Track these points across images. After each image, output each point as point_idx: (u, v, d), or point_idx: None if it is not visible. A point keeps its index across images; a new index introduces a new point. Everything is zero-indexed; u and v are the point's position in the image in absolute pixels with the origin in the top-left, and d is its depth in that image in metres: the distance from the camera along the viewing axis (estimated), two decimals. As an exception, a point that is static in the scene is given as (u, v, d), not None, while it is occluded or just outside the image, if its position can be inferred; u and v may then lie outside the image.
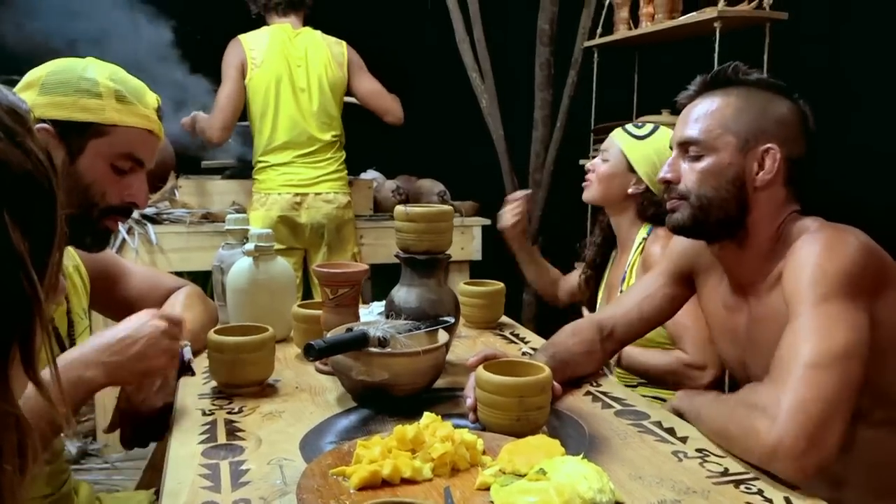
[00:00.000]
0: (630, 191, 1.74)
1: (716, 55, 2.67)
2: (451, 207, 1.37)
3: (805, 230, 1.13)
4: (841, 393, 0.95)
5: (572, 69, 3.79)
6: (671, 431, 1.10)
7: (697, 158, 1.17)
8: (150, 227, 2.83)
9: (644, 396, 1.34)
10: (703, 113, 1.18)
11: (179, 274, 2.90)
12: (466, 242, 3.28)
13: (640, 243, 1.72)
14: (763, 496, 0.90)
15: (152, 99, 1.22)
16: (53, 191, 0.60)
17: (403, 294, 1.34)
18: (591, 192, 1.81)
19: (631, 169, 1.74)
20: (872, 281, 1.06)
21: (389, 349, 1.15)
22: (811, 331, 1.00)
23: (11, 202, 0.54)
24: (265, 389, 1.26)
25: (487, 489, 0.86)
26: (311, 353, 1.09)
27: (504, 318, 1.79)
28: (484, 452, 0.96)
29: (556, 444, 0.93)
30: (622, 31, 3.27)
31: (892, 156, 2.94)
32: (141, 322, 1.10)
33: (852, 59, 3.04)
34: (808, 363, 0.96)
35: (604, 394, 1.27)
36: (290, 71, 2.81)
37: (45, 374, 0.99)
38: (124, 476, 2.74)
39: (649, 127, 1.78)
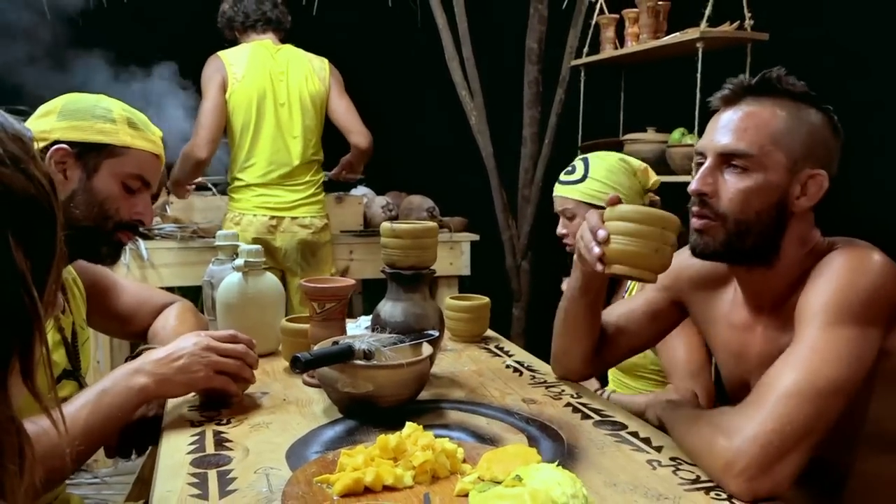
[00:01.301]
0: None
1: (698, 75, 2.74)
2: (435, 224, 1.41)
3: (832, 249, 1.09)
4: (808, 428, 0.94)
5: (560, 87, 3.85)
6: (647, 441, 1.14)
7: (743, 173, 1.08)
8: (141, 242, 2.85)
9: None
10: (751, 123, 1.08)
11: (170, 289, 2.95)
12: (455, 258, 3.32)
13: None
14: (731, 502, 0.94)
15: (157, 129, 1.34)
16: (54, 213, 0.63)
17: (389, 308, 1.38)
18: None
19: (599, 209, 1.72)
20: (893, 307, 1.04)
21: (374, 362, 1.18)
22: (804, 359, 0.98)
23: (15, 224, 0.57)
24: (253, 402, 1.29)
25: (466, 495, 0.89)
26: (298, 365, 1.12)
27: (489, 332, 1.82)
28: (464, 461, 0.99)
29: (532, 453, 0.97)
30: (608, 51, 3.33)
31: (871, 173, 3.01)
32: (188, 340, 1.21)
33: (832, 78, 3.11)
34: (785, 393, 0.96)
35: (583, 405, 1.31)
36: (273, 86, 2.79)
37: (71, 407, 1.05)
38: (114, 490, 2.75)
39: (580, 167, 1.75)
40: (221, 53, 2.82)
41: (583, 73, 3.58)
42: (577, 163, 1.78)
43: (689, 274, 1.28)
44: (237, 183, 2.83)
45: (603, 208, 1.65)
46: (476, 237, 3.37)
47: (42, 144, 1.19)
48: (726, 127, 1.10)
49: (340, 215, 3.22)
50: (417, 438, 0.98)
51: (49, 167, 1.17)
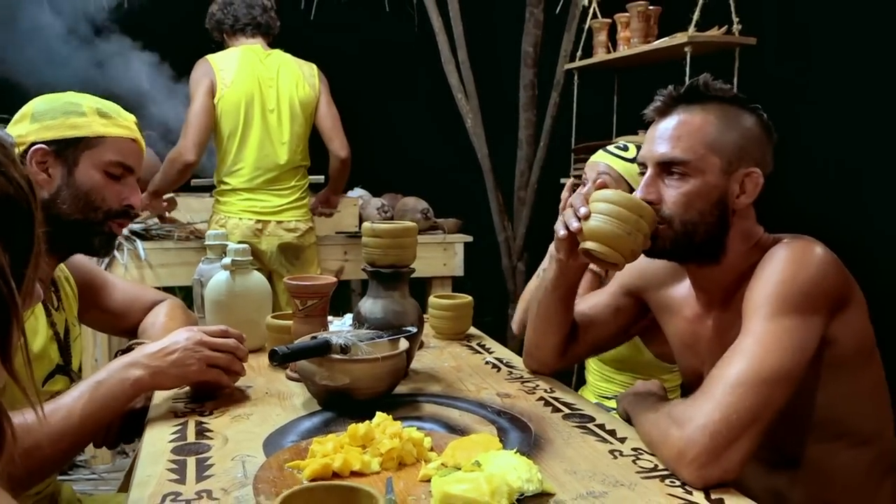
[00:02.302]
0: None
1: (686, 78, 2.78)
2: (414, 224, 1.46)
3: (777, 244, 1.14)
4: (755, 415, 0.99)
5: (554, 90, 3.90)
6: (612, 433, 1.18)
7: (682, 179, 1.14)
8: (139, 242, 2.91)
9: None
10: (684, 131, 1.14)
11: (167, 288, 3.01)
12: (449, 258, 3.37)
13: None
14: (685, 489, 0.98)
15: (131, 116, 1.38)
16: (32, 212, 0.67)
17: (369, 305, 1.42)
18: None
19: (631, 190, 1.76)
20: (835, 297, 1.09)
21: (350, 356, 1.23)
22: (748, 350, 1.03)
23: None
24: (236, 395, 1.33)
25: (429, 481, 0.94)
26: (275, 358, 1.17)
27: (473, 331, 1.87)
28: (431, 449, 1.04)
29: (494, 441, 1.01)
30: (601, 55, 3.38)
31: (857, 173, 3.05)
32: (181, 335, 1.25)
33: (818, 82, 3.16)
34: (731, 383, 1.01)
35: (556, 399, 1.35)
36: (262, 92, 2.80)
37: (68, 398, 1.09)
38: (111, 486, 2.80)
39: (633, 149, 1.79)
40: (210, 57, 2.83)
41: (576, 77, 3.63)
42: (631, 145, 1.82)
43: (647, 271, 1.35)
44: (223, 187, 2.85)
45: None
46: (469, 238, 3.41)
47: (21, 149, 1.24)
48: (662, 137, 1.16)
49: (336, 217, 3.27)
50: (386, 427, 1.02)
51: (30, 168, 1.23)
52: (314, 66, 2.95)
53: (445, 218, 3.47)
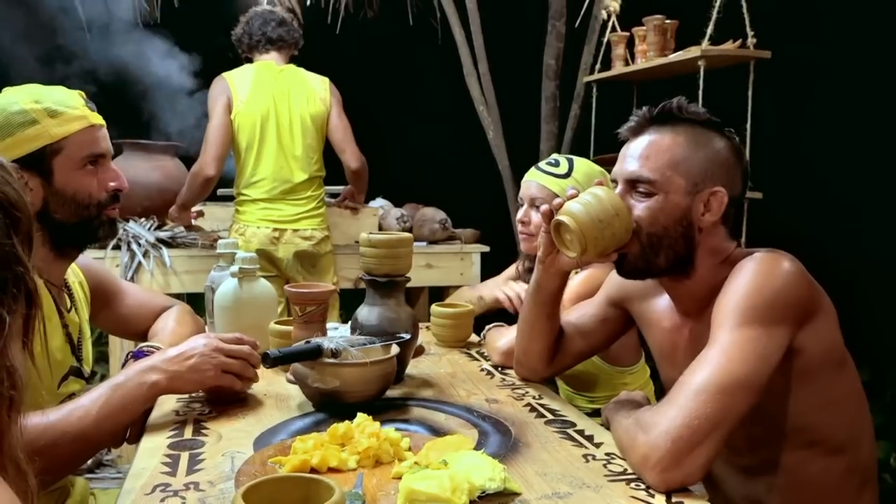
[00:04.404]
0: None
1: (700, 92, 2.80)
2: (410, 235, 1.52)
3: (747, 257, 1.17)
4: (716, 422, 1.02)
5: (575, 103, 3.94)
6: (590, 438, 1.22)
7: (647, 196, 1.20)
8: (164, 250, 3.02)
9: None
10: (652, 151, 1.19)
11: (192, 294, 3.11)
12: (466, 268, 3.42)
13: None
14: (648, 492, 1.02)
15: (76, 97, 1.35)
16: (30, 213, 0.74)
17: (365, 312, 1.48)
18: (533, 246, 1.73)
19: None
20: (801, 308, 1.13)
21: (341, 360, 1.29)
22: (712, 358, 1.06)
23: (15, 225, 0.69)
24: (239, 396, 1.40)
25: (401, 478, 0.99)
26: (267, 361, 1.24)
27: (476, 338, 1.92)
28: (409, 449, 1.09)
29: (468, 442, 1.06)
30: (618, 68, 3.42)
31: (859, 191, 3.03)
32: (198, 340, 1.30)
33: (834, 95, 3.15)
34: (694, 390, 1.04)
35: (542, 405, 1.39)
36: (276, 107, 2.92)
37: (86, 399, 1.14)
38: (135, 485, 2.89)
39: (564, 163, 1.78)
40: (226, 75, 2.97)
41: (595, 89, 3.66)
42: (561, 158, 1.81)
43: (630, 283, 1.37)
44: (242, 198, 2.98)
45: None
46: (486, 248, 3.46)
47: None
48: (632, 155, 1.22)
49: (356, 226, 3.34)
50: (365, 428, 1.08)
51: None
52: (326, 80, 3.05)
53: (464, 228, 3.52)
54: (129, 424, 1.27)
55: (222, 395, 1.35)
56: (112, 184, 1.38)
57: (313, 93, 2.99)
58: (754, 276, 1.12)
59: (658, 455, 1.01)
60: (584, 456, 1.14)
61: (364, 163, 3.02)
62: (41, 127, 1.28)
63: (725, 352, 1.06)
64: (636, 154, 1.21)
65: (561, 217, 1.25)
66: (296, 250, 2.94)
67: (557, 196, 1.71)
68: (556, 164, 1.79)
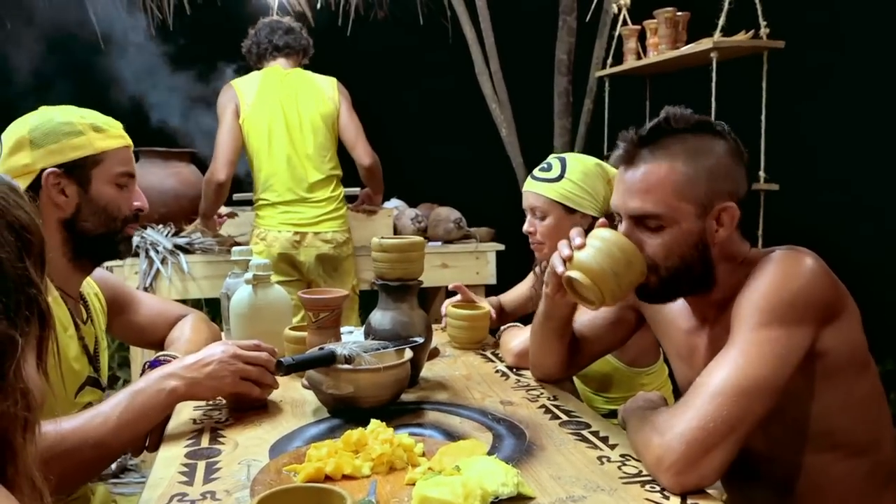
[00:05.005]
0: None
1: (713, 84, 2.78)
2: (421, 239, 1.52)
3: (767, 256, 1.15)
4: (732, 425, 1.01)
5: (587, 98, 3.93)
6: (605, 440, 1.22)
7: (658, 231, 1.15)
8: (182, 256, 3.05)
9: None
10: (652, 183, 1.13)
11: (209, 299, 3.13)
12: (481, 267, 3.42)
13: None
14: (663, 494, 1.01)
15: (114, 120, 1.44)
16: (42, 235, 0.76)
17: (378, 317, 1.49)
18: (546, 252, 1.78)
19: (570, 211, 1.74)
20: (823, 308, 1.10)
21: (355, 365, 1.30)
22: (730, 360, 1.05)
23: (28, 248, 0.70)
24: (255, 403, 1.41)
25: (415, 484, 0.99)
26: (281, 368, 1.25)
27: (489, 338, 1.92)
28: (423, 454, 1.09)
29: (481, 447, 1.06)
30: (630, 62, 3.39)
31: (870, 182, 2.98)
32: (216, 347, 1.32)
33: (849, 85, 3.11)
34: (711, 392, 1.03)
35: (557, 406, 1.39)
36: (283, 110, 2.92)
37: (106, 406, 1.16)
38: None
39: (556, 165, 1.76)
40: (234, 82, 3.00)
41: (607, 84, 3.65)
42: (554, 161, 1.78)
43: None
44: (262, 202, 2.98)
45: (573, 211, 1.75)
46: (501, 247, 3.46)
47: (32, 176, 1.32)
48: (631, 189, 1.16)
49: (371, 227, 3.35)
50: (379, 434, 1.08)
51: (48, 192, 1.32)
52: (334, 80, 3.05)
53: (478, 227, 3.52)
54: (149, 431, 1.29)
55: (242, 402, 1.36)
56: (137, 203, 1.45)
57: (321, 92, 2.99)
58: (775, 274, 1.10)
59: (673, 457, 1.00)
60: (599, 458, 1.14)
61: (376, 159, 3.01)
62: (85, 138, 1.36)
63: (744, 353, 1.05)
64: (636, 188, 1.15)
65: (573, 274, 1.21)
66: (317, 253, 2.94)
67: (557, 202, 1.73)
68: (549, 168, 1.77)
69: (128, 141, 1.43)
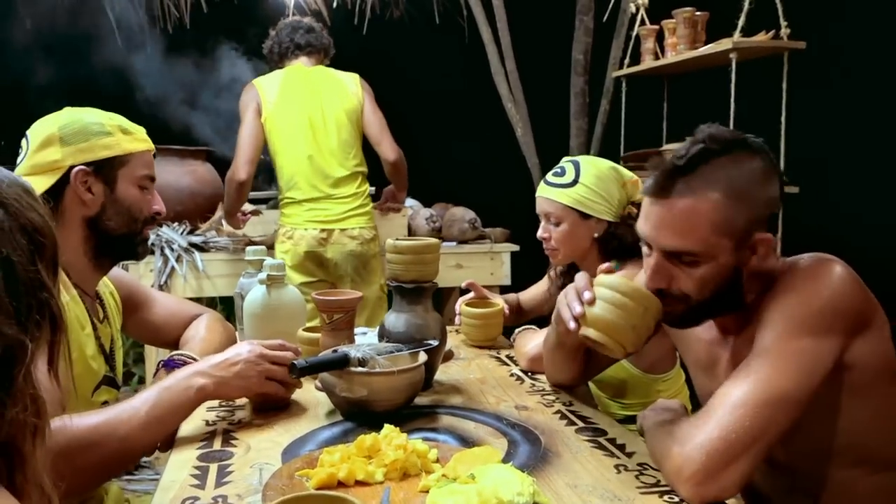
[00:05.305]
0: (595, 235, 1.73)
1: (732, 85, 2.75)
2: (437, 241, 1.50)
3: (795, 264, 1.12)
4: (754, 436, 0.98)
5: (604, 98, 3.90)
6: (622, 448, 1.20)
7: (692, 265, 1.10)
8: (197, 254, 3.05)
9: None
10: (692, 221, 1.07)
11: (224, 298, 3.13)
12: (496, 268, 3.40)
13: None
14: (682, 505, 0.99)
15: (139, 126, 1.46)
16: (55, 238, 0.75)
17: (393, 319, 1.48)
18: (560, 259, 1.79)
19: (584, 216, 1.72)
20: (853, 318, 1.07)
21: (368, 369, 1.28)
22: (756, 370, 1.02)
23: (41, 251, 0.69)
24: (265, 405, 1.40)
25: (429, 491, 0.98)
26: (294, 371, 1.24)
27: (504, 341, 1.90)
28: (437, 461, 1.08)
29: (496, 454, 1.05)
30: (648, 62, 3.36)
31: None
32: (243, 347, 1.32)
33: (870, 87, 3.06)
34: (733, 403, 1.00)
35: (573, 412, 1.37)
36: (306, 108, 2.89)
37: (136, 401, 1.18)
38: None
39: (570, 170, 1.73)
40: (256, 81, 2.96)
41: (624, 84, 3.62)
42: (567, 165, 1.75)
43: None
44: (287, 200, 2.93)
45: (588, 216, 1.73)
46: (516, 248, 3.44)
47: (61, 172, 1.33)
48: (667, 225, 1.09)
49: (385, 226, 3.33)
50: (392, 439, 1.07)
51: (76, 189, 1.33)
52: (356, 76, 3.01)
53: (493, 227, 3.50)
54: (175, 429, 1.29)
55: (267, 402, 1.36)
56: (156, 207, 1.46)
57: (344, 88, 2.96)
58: (803, 284, 1.07)
59: (692, 468, 0.98)
60: (616, 466, 1.12)
61: (401, 155, 2.98)
62: (114, 139, 1.38)
63: (769, 364, 1.02)
64: (672, 225, 1.08)
65: (589, 334, 1.18)
66: (345, 250, 2.89)
67: (571, 208, 1.71)
68: (562, 172, 1.75)
69: (151, 145, 1.46)
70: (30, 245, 0.68)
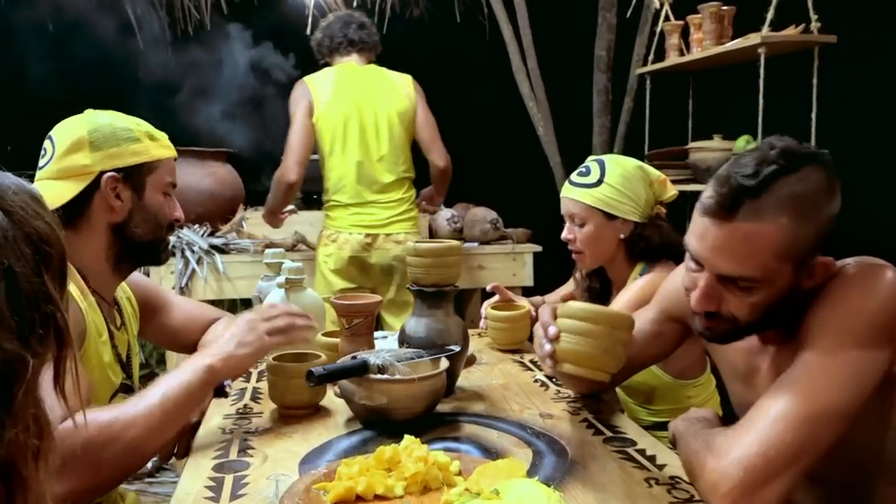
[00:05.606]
0: (622, 236, 1.69)
1: (761, 81, 2.68)
2: (458, 243, 1.46)
3: (842, 269, 1.05)
4: (796, 453, 0.93)
5: (628, 96, 3.83)
6: (652, 459, 1.15)
7: (747, 290, 1.03)
8: (217, 256, 3.03)
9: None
10: (755, 246, 0.99)
11: (245, 300, 3.11)
12: (518, 269, 3.35)
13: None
14: (718, 522, 0.94)
15: (162, 132, 1.44)
16: (63, 247, 0.71)
17: (413, 324, 1.44)
18: (587, 261, 1.75)
19: (610, 217, 1.68)
20: None
21: (388, 376, 1.24)
22: (799, 382, 0.96)
23: (46, 261, 0.66)
24: (282, 412, 1.37)
25: (451, 506, 0.94)
26: (311, 379, 1.20)
27: (528, 344, 1.85)
28: (459, 473, 1.04)
29: (520, 467, 1.00)
30: (673, 58, 3.29)
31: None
32: (237, 322, 1.34)
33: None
34: (774, 417, 0.94)
35: (600, 420, 1.32)
36: (358, 108, 2.80)
37: (151, 388, 1.17)
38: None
39: (595, 169, 1.70)
40: (307, 78, 2.86)
41: (648, 81, 3.55)
42: (592, 164, 1.71)
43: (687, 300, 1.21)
44: (332, 203, 2.86)
45: (613, 217, 1.68)
46: (539, 248, 3.38)
47: (90, 178, 1.31)
48: (724, 250, 1.01)
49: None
50: (413, 451, 1.03)
51: (105, 195, 1.31)
52: (409, 77, 2.93)
53: (515, 228, 3.45)
54: (189, 419, 1.28)
55: (292, 407, 1.36)
56: (176, 214, 1.45)
57: (398, 89, 2.87)
58: (853, 290, 1.01)
59: (729, 484, 0.93)
60: (647, 480, 1.07)
61: (450, 162, 2.91)
62: (143, 146, 1.37)
63: (813, 375, 0.96)
64: (733, 250, 1.00)
65: (566, 369, 1.14)
66: (389, 256, 2.82)
67: (596, 209, 1.67)
68: (587, 172, 1.70)
69: (174, 151, 1.45)
70: (35, 255, 0.65)
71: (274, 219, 2.99)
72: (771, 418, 0.95)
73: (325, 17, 3.03)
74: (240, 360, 1.29)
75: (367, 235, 2.82)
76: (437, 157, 2.89)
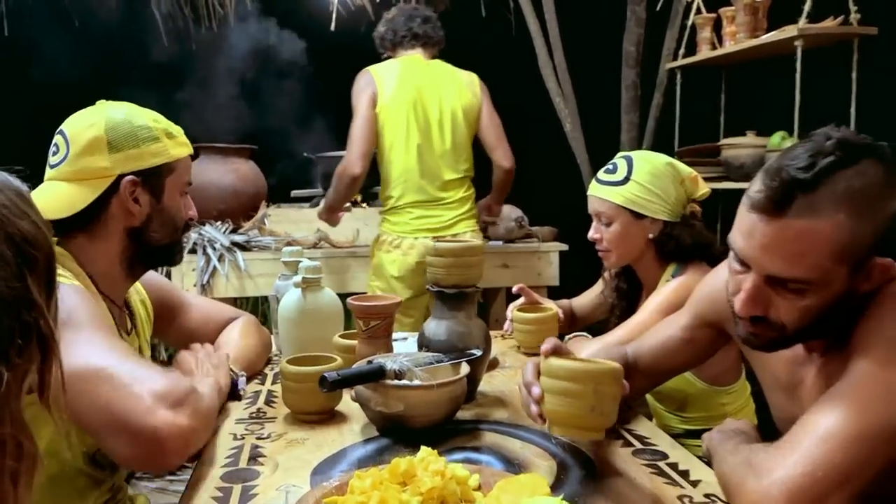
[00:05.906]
0: (650, 236, 1.63)
1: (797, 75, 2.58)
2: (480, 243, 1.41)
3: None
4: (845, 475, 0.85)
5: (657, 91, 3.74)
6: (685, 474, 1.08)
7: (798, 293, 0.96)
8: (239, 254, 3.01)
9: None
10: (809, 245, 0.92)
11: (266, 297, 3.07)
12: (544, 268, 3.28)
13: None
14: (757, 547, 0.87)
15: (177, 126, 1.37)
16: (52, 250, 0.67)
17: (433, 327, 1.38)
18: (613, 261, 1.69)
19: (637, 216, 1.62)
20: None
21: (405, 381, 1.19)
22: (848, 398, 0.89)
23: (30, 264, 0.62)
24: (299, 417, 1.32)
25: (469, 525, 0.88)
26: (325, 384, 1.15)
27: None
28: (478, 488, 0.98)
29: (543, 483, 0.94)
30: (705, 52, 3.20)
31: None
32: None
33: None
34: (822, 435, 0.87)
35: (629, 430, 1.26)
36: (423, 102, 2.70)
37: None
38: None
39: (622, 166, 1.63)
40: (372, 68, 2.78)
41: (679, 76, 3.45)
42: (620, 161, 1.64)
43: (723, 306, 1.14)
44: (390, 203, 2.75)
45: (642, 216, 1.61)
46: (565, 247, 3.31)
47: (109, 182, 1.24)
48: (775, 249, 0.94)
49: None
50: (429, 464, 0.97)
51: (124, 199, 1.25)
52: (474, 75, 2.85)
53: (541, 226, 3.38)
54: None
55: (308, 413, 1.32)
56: (191, 212, 1.39)
57: (463, 87, 2.78)
58: None
59: None
60: (680, 497, 1.00)
61: (514, 163, 2.81)
62: (162, 145, 1.30)
63: (864, 391, 0.89)
64: (784, 249, 0.93)
65: (553, 432, 1.07)
66: None
67: (623, 207, 1.61)
68: (614, 169, 1.64)
69: (191, 148, 1.38)
70: (17, 258, 0.60)
71: (332, 216, 2.87)
72: (818, 436, 0.88)
73: (388, 11, 2.93)
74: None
75: (434, 238, 2.61)
76: (503, 157, 2.79)
